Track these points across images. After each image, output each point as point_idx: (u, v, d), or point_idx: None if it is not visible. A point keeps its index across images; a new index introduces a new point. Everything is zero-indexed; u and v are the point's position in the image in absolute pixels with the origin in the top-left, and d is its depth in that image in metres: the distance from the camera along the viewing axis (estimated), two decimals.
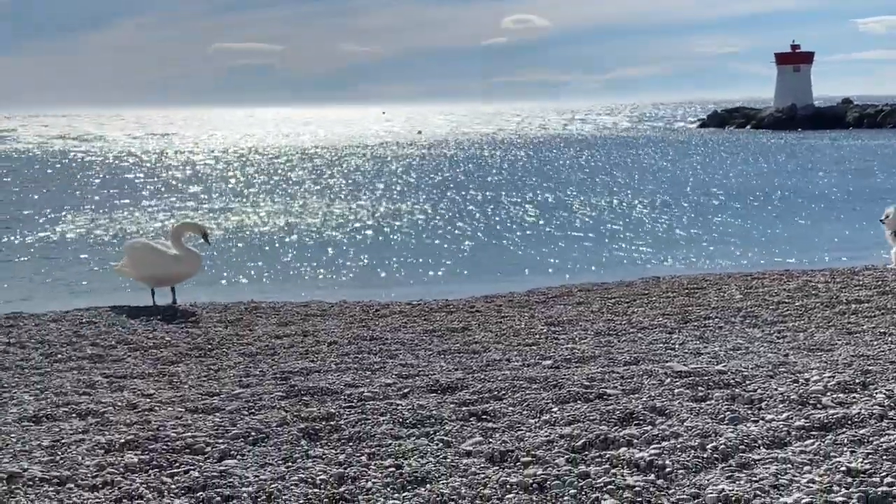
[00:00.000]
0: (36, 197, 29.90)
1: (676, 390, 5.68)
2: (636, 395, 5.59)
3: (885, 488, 3.89)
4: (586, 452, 4.56)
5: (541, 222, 21.90)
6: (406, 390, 6.05)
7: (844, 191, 28.54)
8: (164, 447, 4.81)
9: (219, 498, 4.12)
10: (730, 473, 4.15)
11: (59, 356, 7.80)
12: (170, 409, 5.72)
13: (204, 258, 12.85)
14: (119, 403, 5.89)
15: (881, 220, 12.59)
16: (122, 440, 4.93)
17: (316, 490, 4.19)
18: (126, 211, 25.73)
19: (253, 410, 5.61)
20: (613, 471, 4.24)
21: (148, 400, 6.02)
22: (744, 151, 46.70)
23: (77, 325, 9.37)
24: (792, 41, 72.34)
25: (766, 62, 73.85)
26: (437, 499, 4.06)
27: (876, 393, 5.36)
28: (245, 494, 4.14)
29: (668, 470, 4.24)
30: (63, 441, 4.98)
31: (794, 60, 70.98)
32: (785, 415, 5.01)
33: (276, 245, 18.41)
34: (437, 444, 4.77)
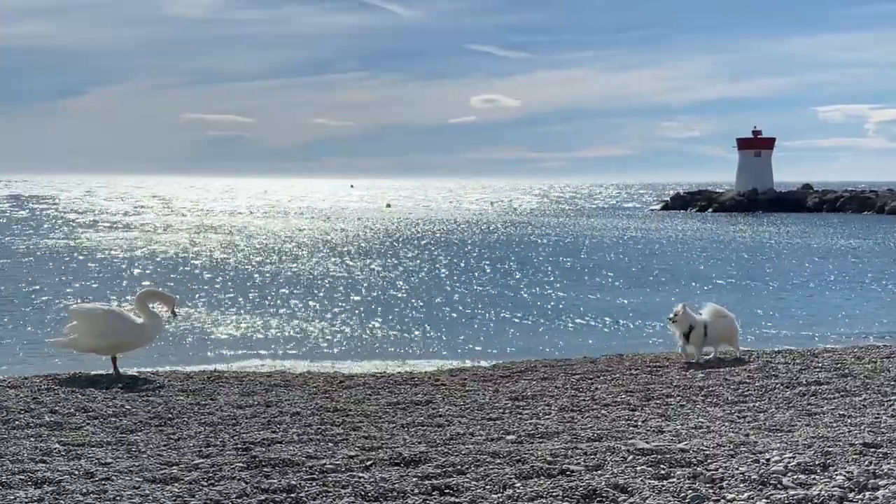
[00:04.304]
0: None
1: (639, 468, 5.69)
2: (599, 472, 5.60)
3: None
4: None
5: (507, 298, 21.99)
6: (369, 463, 6.01)
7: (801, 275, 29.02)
8: None
9: None
10: None
11: (17, 423, 7.66)
12: (127, 478, 5.63)
13: (165, 322, 11.81)
14: (76, 472, 5.79)
15: (670, 319, 11.36)
16: None
17: None
18: (83, 276, 25.49)
19: (213, 481, 5.54)
20: None
21: (105, 469, 5.92)
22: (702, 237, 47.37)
23: (36, 392, 9.21)
24: (753, 127, 74.08)
25: (728, 146, 75.47)
26: None
27: (836, 475, 5.41)
28: None
29: None
30: None
31: (756, 146, 72.58)
32: (746, 494, 5.04)
33: (241, 313, 18.29)
34: None
